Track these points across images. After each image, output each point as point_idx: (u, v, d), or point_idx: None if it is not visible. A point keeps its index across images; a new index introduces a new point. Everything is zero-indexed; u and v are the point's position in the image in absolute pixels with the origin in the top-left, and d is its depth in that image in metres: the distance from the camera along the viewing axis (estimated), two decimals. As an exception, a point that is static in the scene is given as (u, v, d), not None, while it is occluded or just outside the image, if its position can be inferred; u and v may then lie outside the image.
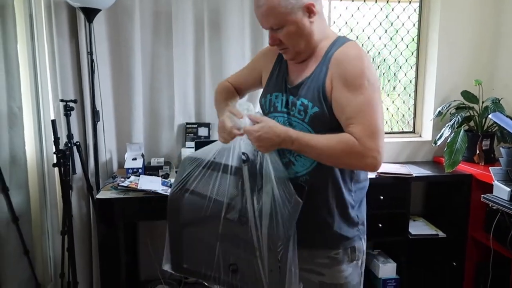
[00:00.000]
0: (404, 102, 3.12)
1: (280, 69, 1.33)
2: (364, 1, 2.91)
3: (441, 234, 2.63)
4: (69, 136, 2.25)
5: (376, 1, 2.93)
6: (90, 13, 2.17)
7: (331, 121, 1.19)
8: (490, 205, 2.37)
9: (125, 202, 2.03)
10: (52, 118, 2.40)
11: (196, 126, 2.63)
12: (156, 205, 2.08)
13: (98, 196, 2.03)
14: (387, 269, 2.62)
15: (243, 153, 1.24)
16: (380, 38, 2.99)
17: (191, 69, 2.59)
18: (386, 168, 2.60)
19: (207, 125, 2.63)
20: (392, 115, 3.14)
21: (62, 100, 2.24)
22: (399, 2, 2.95)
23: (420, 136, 3.10)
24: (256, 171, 1.23)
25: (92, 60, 2.29)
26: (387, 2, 2.94)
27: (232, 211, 1.27)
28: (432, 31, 2.92)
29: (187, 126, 2.63)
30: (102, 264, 2.12)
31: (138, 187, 2.02)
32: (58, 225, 2.55)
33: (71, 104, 2.23)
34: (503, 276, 2.35)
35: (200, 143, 2.42)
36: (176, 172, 2.48)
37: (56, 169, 2.17)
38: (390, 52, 3.02)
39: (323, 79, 1.20)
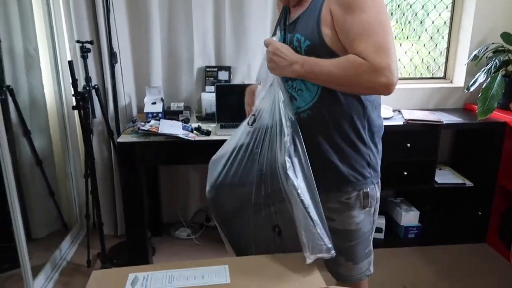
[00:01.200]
0: (436, 45, 2.92)
1: (285, 9, 1.29)
2: None
3: (468, 183, 2.56)
4: (87, 78, 2.20)
5: None
6: None
7: (326, 53, 1.11)
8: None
9: (145, 146, 2.00)
10: (69, 59, 2.34)
11: (216, 69, 2.53)
12: (176, 149, 2.05)
13: (119, 140, 2.00)
14: (409, 217, 2.60)
15: (252, 115, 1.25)
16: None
17: (210, 9, 2.45)
18: (414, 114, 2.48)
19: (228, 68, 2.52)
20: (422, 60, 2.96)
21: (78, 41, 2.16)
22: None
23: (451, 82, 2.93)
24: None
25: (107, 0, 2.17)
26: None
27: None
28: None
29: (207, 69, 2.54)
30: (126, 207, 2.14)
31: (159, 131, 1.98)
32: (81, 168, 2.58)
33: (88, 46, 2.15)
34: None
35: (221, 87, 2.34)
36: (196, 117, 2.44)
37: (76, 112, 2.15)
38: (424, -10, 2.78)
39: (319, 9, 1.12)
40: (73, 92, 1.96)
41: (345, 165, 1.22)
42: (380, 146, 1.31)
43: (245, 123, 1.30)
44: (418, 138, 2.44)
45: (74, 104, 1.97)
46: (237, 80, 2.56)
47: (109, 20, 2.22)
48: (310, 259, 1.04)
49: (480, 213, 2.62)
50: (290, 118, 1.17)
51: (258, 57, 2.55)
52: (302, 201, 1.09)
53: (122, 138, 2.02)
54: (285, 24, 1.25)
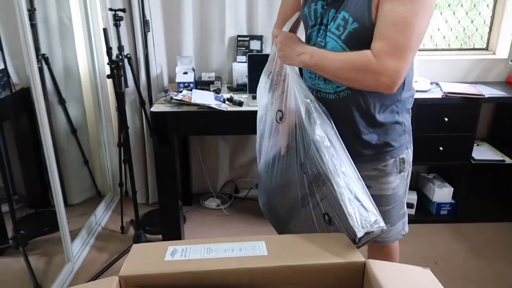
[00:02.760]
0: (480, 13, 2.75)
1: None
2: None
3: (508, 160, 2.46)
4: (120, 47, 2.19)
5: None
6: None
7: (368, 40, 1.05)
8: None
9: (178, 116, 2.00)
10: (101, 27, 2.33)
11: (248, 39, 2.47)
12: (209, 119, 2.04)
13: (152, 109, 2.01)
14: (442, 194, 2.54)
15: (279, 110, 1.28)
16: None
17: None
18: (453, 87, 2.38)
19: (260, 37, 2.46)
20: (464, 29, 2.80)
21: (111, 9, 2.14)
22: None
23: (494, 53, 2.77)
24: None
25: (138, -35, 2.13)
26: None
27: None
28: None
29: (239, 39, 2.48)
30: (159, 176, 2.17)
31: (192, 101, 1.97)
32: (114, 138, 2.62)
33: (120, 14, 2.13)
34: None
35: (253, 57, 2.29)
36: (227, 88, 2.41)
37: (109, 81, 2.16)
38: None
39: None
40: (107, 61, 1.96)
41: (382, 135, 1.24)
42: (410, 110, 1.31)
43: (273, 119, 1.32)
44: (456, 112, 2.34)
45: (108, 72, 1.97)
46: (269, 49, 2.50)
47: (142, -12, 2.18)
48: (360, 232, 1.02)
49: (518, 191, 2.53)
50: (311, 97, 1.19)
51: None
52: (341, 173, 1.07)
53: (155, 108, 2.02)
54: None
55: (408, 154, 1.30)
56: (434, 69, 2.62)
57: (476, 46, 2.82)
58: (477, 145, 2.61)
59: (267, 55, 2.34)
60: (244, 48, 2.48)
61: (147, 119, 2.38)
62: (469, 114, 2.35)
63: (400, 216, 1.37)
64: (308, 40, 1.25)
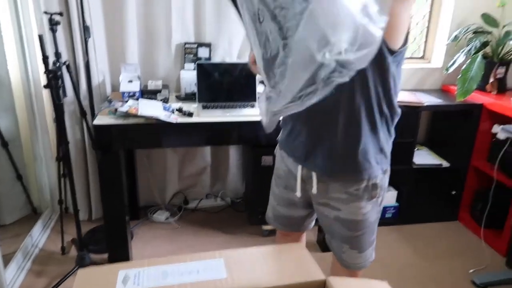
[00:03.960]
0: (417, 24, 2.91)
1: None
2: None
3: (445, 163, 2.62)
4: (57, 54, 2.03)
5: None
6: None
7: None
8: (496, 136, 2.32)
9: (124, 129, 1.89)
10: (35, 32, 2.15)
11: (196, 46, 2.41)
12: (157, 131, 1.96)
13: (95, 122, 1.88)
14: (387, 196, 2.64)
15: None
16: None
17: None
18: (401, 96, 2.48)
19: (208, 45, 2.41)
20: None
21: (46, 13, 1.98)
22: None
23: (430, 62, 2.95)
24: None
25: (77, -35, 1.99)
26: None
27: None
28: None
29: (186, 46, 2.41)
30: (103, 191, 2.03)
31: (139, 113, 1.87)
32: (52, 151, 2.43)
33: (57, 18, 1.98)
34: (501, 207, 2.38)
35: (202, 65, 2.23)
36: (176, 96, 2.33)
37: (46, 91, 1.99)
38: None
39: None
40: (44, 70, 1.80)
41: (361, 155, 1.17)
42: (393, 132, 1.26)
43: None
44: (405, 120, 2.44)
45: (45, 82, 1.82)
46: (218, 57, 2.45)
47: (80, -10, 2.04)
48: None
49: (453, 193, 2.70)
50: None
51: (240, 33, 2.44)
52: None
53: (99, 120, 1.89)
54: None
55: (383, 179, 1.24)
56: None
57: (414, 56, 2.98)
58: (417, 149, 2.75)
59: (217, 64, 2.28)
60: (192, 56, 2.42)
61: (89, 131, 2.23)
62: (410, 121, 2.47)
63: (370, 242, 1.32)
64: None
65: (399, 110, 1.23)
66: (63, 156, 2.02)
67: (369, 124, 1.16)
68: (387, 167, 1.26)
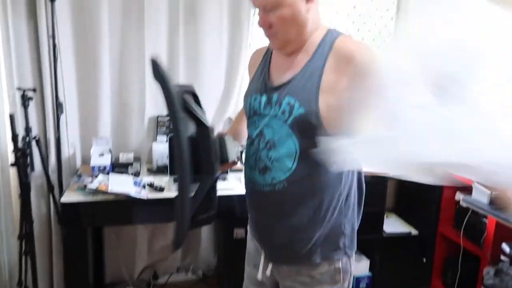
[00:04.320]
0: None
1: (263, 68, 1.23)
2: None
3: (414, 231, 2.68)
4: (27, 129, 2.01)
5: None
6: (52, -9, 1.92)
7: (316, 125, 1.07)
8: (460, 203, 2.42)
9: (93, 206, 1.85)
10: (7, 109, 2.14)
11: (168, 118, 2.46)
12: (128, 208, 1.93)
13: (63, 200, 1.83)
14: (360, 267, 2.64)
15: None
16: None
17: (164, 55, 2.40)
18: (363, 166, 2.58)
19: (181, 118, 2.46)
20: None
21: (19, 89, 1.99)
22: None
23: (393, 132, 3.10)
24: None
25: (54, 45, 2.04)
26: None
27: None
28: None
29: (159, 119, 2.45)
30: (67, 270, 1.94)
31: (109, 190, 1.84)
32: (13, 228, 2.31)
33: (30, 94, 1.99)
34: (471, 273, 2.42)
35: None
36: (147, 170, 2.32)
37: (12, 168, 1.94)
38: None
39: (319, 75, 1.07)
40: (12, 148, 1.77)
41: (319, 240, 1.17)
42: (356, 210, 1.26)
43: None
44: (367, 189, 2.51)
45: (13, 161, 1.78)
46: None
47: (56, 67, 2.08)
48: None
49: (424, 260, 2.73)
50: None
51: (212, 106, 2.52)
52: None
53: (67, 197, 1.85)
54: (265, 85, 1.18)
55: (347, 263, 1.21)
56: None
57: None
58: (387, 217, 2.81)
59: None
60: (164, 128, 2.45)
61: (56, 206, 2.16)
62: (377, 190, 2.54)
63: None
64: (252, 129, 1.21)
65: (362, 189, 1.27)
66: (26, 234, 1.93)
67: (325, 209, 1.15)
68: (352, 252, 1.24)
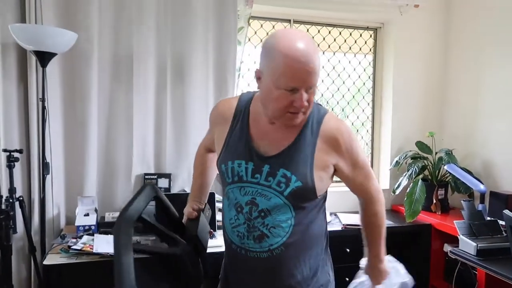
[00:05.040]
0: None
1: (241, 131, 1.20)
2: (323, 53, 3.00)
3: (410, 281, 2.63)
4: (11, 190, 2.00)
5: (334, 53, 3.03)
6: (45, 58, 1.99)
7: (311, 194, 1.17)
8: (449, 255, 2.42)
9: (78, 268, 1.80)
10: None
11: (156, 177, 2.46)
12: (112, 269, 1.86)
13: (45, 262, 1.78)
14: (354, 324, 2.55)
15: None
16: (339, 89, 3.08)
17: (151, 116, 2.46)
18: (349, 219, 2.59)
19: (168, 176, 2.48)
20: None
21: (5, 150, 2.00)
22: (355, 55, 3.08)
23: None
24: None
25: (44, 107, 2.09)
26: (344, 54, 3.06)
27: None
28: (386, 83, 3.06)
29: (146, 177, 2.46)
30: None
31: (94, 250, 1.80)
32: (-10, 293, 2.21)
33: (16, 155, 2.00)
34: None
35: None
36: (134, 228, 2.28)
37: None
38: (338, 102, 3.11)
39: (312, 152, 1.15)
40: (-6, 211, 1.75)
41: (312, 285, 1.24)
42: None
43: None
44: (356, 242, 2.50)
45: (-5, 223, 1.75)
46: (177, 187, 2.51)
47: (44, 129, 2.11)
48: None
49: (418, 314, 2.66)
50: None
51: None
52: None
53: (50, 259, 1.80)
54: (250, 151, 1.18)
55: None
56: (331, 200, 2.85)
57: (363, 178, 3.19)
58: (377, 270, 2.77)
59: (176, 194, 2.35)
60: (151, 186, 2.45)
61: (37, 270, 2.08)
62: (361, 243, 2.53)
63: None
64: (228, 197, 1.22)
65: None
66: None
67: (316, 263, 1.26)
68: None
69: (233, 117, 1.23)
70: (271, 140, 1.17)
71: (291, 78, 1.04)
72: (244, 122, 1.21)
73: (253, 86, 2.84)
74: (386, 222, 2.66)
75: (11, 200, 1.96)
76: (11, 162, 1.99)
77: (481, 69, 2.78)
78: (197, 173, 1.44)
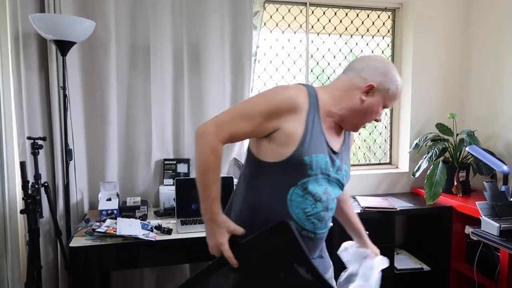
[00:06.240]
0: (380, 133, 3.15)
1: (319, 127, 1.25)
2: (340, 36, 2.96)
3: (425, 267, 2.62)
4: (37, 176, 2.06)
5: (351, 36, 2.99)
6: (64, 46, 2.03)
7: None
8: (470, 237, 2.39)
9: (101, 250, 1.85)
10: (17, 157, 2.20)
11: (175, 162, 2.50)
12: (136, 251, 1.92)
13: (71, 244, 1.84)
14: (373, 306, 2.56)
15: None
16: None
17: (169, 103, 2.49)
18: (369, 201, 2.58)
19: (187, 161, 2.51)
20: (369, 147, 3.16)
21: (29, 138, 2.06)
22: (372, 37, 3.03)
23: (397, 167, 3.13)
24: None
25: (65, 95, 2.13)
26: (362, 37, 3.01)
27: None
28: (406, 65, 3.00)
29: (165, 162, 2.50)
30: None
31: (117, 233, 1.85)
32: (20, 275, 2.30)
33: (40, 142, 2.06)
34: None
35: (181, 181, 2.30)
36: (154, 213, 2.33)
37: (21, 215, 1.97)
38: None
39: (348, 148, 1.39)
40: (22, 195, 1.81)
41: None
42: None
43: None
44: (374, 225, 2.49)
45: (22, 207, 1.81)
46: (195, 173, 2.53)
47: (66, 117, 2.16)
48: None
49: (439, 297, 2.66)
50: None
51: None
52: None
53: (75, 242, 1.86)
54: (328, 147, 1.27)
55: None
56: (350, 183, 2.84)
57: (382, 161, 3.17)
58: (397, 253, 2.76)
59: (195, 179, 2.34)
60: (171, 172, 2.49)
61: (63, 252, 2.16)
62: (386, 226, 2.52)
63: None
64: (304, 188, 1.23)
65: None
66: (34, 281, 1.92)
67: None
68: None
69: (307, 110, 1.24)
70: (334, 137, 1.31)
71: (393, 102, 1.32)
72: (318, 117, 1.26)
73: (270, 71, 2.83)
74: (407, 206, 2.67)
75: (36, 186, 2.03)
76: (35, 149, 2.05)
77: (504, 48, 2.70)
78: (219, 176, 1.23)
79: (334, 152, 1.28)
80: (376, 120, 1.32)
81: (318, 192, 1.24)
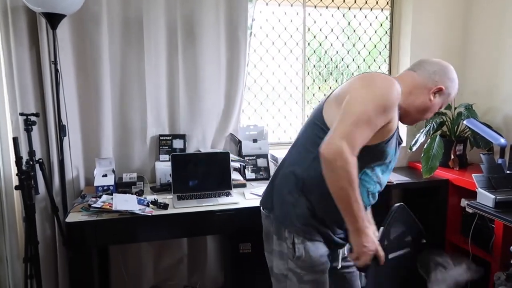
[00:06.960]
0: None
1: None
2: (338, 8, 2.90)
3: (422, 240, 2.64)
4: (31, 153, 2.05)
5: (349, 8, 2.92)
6: (54, 19, 1.98)
7: None
8: (466, 210, 2.41)
9: (98, 225, 1.85)
10: (10, 134, 2.18)
11: (170, 138, 2.48)
12: (133, 226, 1.93)
13: (68, 220, 1.84)
14: (369, 278, 2.60)
15: None
16: (354, 45, 2.99)
17: (164, 78, 2.45)
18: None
19: (182, 136, 2.49)
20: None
21: (22, 114, 2.04)
22: (371, 9, 2.96)
23: (394, 142, 3.11)
24: None
25: (56, 70, 2.10)
26: (360, 9, 2.95)
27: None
28: (404, 38, 2.95)
29: (161, 138, 2.48)
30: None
31: (113, 208, 1.86)
32: (18, 251, 2.32)
33: (33, 118, 2.03)
34: (482, 279, 2.38)
35: (177, 156, 2.29)
36: (150, 189, 2.33)
37: (17, 191, 1.96)
38: (353, 59, 3.03)
39: None
40: (16, 171, 1.80)
41: None
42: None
43: None
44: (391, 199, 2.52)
45: (17, 183, 1.80)
46: (192, 148, 2.53)
47: (58, 92, 2.13)
48: None
49: (434, 269, 2.69)
50: None
51: (212, 124, 2.55)
52: None
53: (72, 217, 1.86)
54: (401, 138, 1.46)
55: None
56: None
57: (379, 136, 3.15)
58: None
59: (192, 154, 2.38)
60: (167, 147, 2.48)
61: (60, 228, 2.17)
62: (382, 199, 2.51)
63: None
64: (373, 171, 1.40)
65: None
66: (31, 257, 1.93)
67: None
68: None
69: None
70: None
71: (445, 106, 1.47)
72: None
73: (266, 45, 2.78)
74: (404, 180, 2.69)
75: (31, 163, 2.01)
76: (28, 125, 2.02)
77: (504, 22, 2.64)
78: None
79: (399, 142, 1.43)
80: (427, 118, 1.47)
81: (381, 176, 1.42)
